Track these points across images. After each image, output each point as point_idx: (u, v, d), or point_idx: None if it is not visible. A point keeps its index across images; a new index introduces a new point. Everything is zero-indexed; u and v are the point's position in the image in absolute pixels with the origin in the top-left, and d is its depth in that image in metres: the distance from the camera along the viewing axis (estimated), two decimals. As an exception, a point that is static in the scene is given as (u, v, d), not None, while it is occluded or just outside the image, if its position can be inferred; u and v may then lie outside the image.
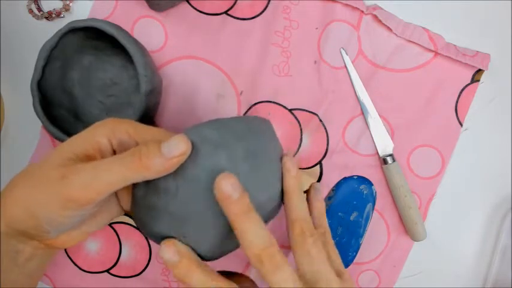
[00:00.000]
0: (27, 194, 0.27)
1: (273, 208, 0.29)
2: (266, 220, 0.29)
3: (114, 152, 0.28)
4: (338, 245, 0.41)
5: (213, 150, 0.25)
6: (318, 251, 0.28)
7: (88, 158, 0.27)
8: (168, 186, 0.25)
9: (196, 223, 0.26)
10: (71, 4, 0.44)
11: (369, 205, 0.44)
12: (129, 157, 0.25)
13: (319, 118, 0.44)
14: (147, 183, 0.26)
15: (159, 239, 0.27)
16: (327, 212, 0.42)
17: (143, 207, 0.27)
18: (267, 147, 0.28)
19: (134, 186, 0.28)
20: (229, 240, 0.27)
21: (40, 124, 0.43)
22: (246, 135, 0.27)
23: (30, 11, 0.44)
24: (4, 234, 0.27)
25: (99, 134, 0.27)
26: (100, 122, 0.28)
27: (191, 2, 0.43)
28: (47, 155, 0.28)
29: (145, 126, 0.29)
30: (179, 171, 0.25)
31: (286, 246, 0.45)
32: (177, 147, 0.25)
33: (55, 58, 0.38)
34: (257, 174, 0.27)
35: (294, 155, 0.35)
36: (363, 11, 0.43)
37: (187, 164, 0.25)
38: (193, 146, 0.25)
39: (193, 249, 0.27)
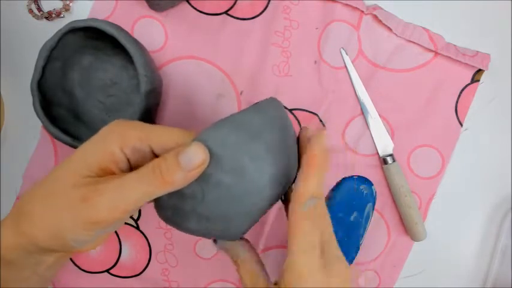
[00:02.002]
0: (50, 216, 0.26)
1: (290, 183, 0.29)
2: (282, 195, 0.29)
3: (128, 160, 0.27)
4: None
5: (234, 153, 0.25)
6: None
7: (104, 172, 0.26)
8: (194, 192, 0.26)
9: (222, 220, 0.27)
10: (71, 4, 0.44)
11: (369, 205, 0.44)
12: (150, 174, 0.24)
13: (319, 118, 0.44)
14: None
15: (190, 232, 0.28)
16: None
17: (169, 208, 0.28)
18: (284, 132, 0.28)
19: None
20: (252, 222, 0.28)
21: (40, 124, 0.43)
22: (263, 129, 0.26)
23: (30, 11, 0.44)
24: (26, 250, 0.27)
25: (110, 143, 0.26)
26: (107, 129, 0.27)
27: (191, 2, 0.43)
28: (59, 169, 0.27)
29: (155, 127, 0.27)
30: (203, 176, 0.25)
31: (286, 246, 0.45)
32: (196, 159, 0.24)
33: (55, 58, 0.38)
34: (279, 162, 0.27)
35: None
36: (363, 11, 0.43)
37: (210, 170, 0.25)
38: (213, 152, 0.25)
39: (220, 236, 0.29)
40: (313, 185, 0.26)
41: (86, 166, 0.26)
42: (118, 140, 0.26)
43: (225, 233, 0.28)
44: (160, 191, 0.25)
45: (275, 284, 0.28)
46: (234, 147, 0.25)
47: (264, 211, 0.28)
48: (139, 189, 0.24)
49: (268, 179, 0.26)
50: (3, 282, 0.27)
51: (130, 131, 0.26)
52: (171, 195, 0.26)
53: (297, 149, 0.30)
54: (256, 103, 0.28)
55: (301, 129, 0.31)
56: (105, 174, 0.26)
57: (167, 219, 0.29)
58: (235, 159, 0.25)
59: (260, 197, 0.27)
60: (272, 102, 0.29)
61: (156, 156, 0.27)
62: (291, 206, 0.26)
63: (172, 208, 0.27)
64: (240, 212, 0.27)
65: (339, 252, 0.27)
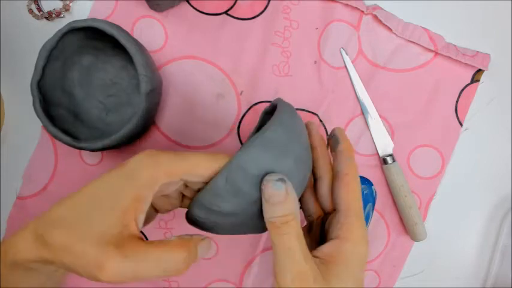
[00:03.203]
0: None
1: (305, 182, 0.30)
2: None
3: None
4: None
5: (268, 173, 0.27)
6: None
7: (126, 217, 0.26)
8: (235, 211, 0.27)
9: (251, 227, 0.30)
10: (71, 4, 0.44)
11: (369, 205, 0.44)
12: (170, 256, 0.26)
13: (319, 118, 0.44)
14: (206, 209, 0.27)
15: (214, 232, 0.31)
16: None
17: (207, 223, 0.29)
18: (302, 137, 0.29)
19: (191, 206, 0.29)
20: None
21: (40, 124, 0.43)
22: (290, 143, 0.27)
23: (30, 11, 0.44)
24: (47, 263, 0.26)
25: (141, 189, 0.26)
26: (132, 170, 0.26)
27: (191, 2, 0.43)
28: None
29: (184, 158, 0.27)
30: (243, 195, 0.26)
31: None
32: (206, 254, 0.28)
33: (55, 58, 0.38)
34: (303, 168, 0.29)
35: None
36: (363, 11, 0.43)
37: (249, 190, 0.26)
38: (251, 174, 0.26)
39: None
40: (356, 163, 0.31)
41: (124, 194, 0.26)
42: (149, 181, 0.26)
43: (247, 233, 0.31)
44: (173, 274, 0.26)
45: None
46: (269, 166, 0.26)
47: None
48: (159, 271, 0.25)
49: (298, 185, 0.28)
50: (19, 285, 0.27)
51: (160, 167, 0.26)
52: (210, 212, 0.27)
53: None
54: (276, 114, 0.28)
55: (306, 123, 0.33)
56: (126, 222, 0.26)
57: (199, 227, 0.30)
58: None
59: None
60: (288, 108, 0.29)
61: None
62: (342, 179, 0.30)
63: (211, 223, 0.29)
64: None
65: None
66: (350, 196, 0.29)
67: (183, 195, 0.31)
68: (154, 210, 0.31)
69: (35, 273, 0.27)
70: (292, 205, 0.26)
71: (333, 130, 0.32)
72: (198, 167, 0.26)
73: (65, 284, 0.45)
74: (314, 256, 0.27)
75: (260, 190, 0.26)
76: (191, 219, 0.29)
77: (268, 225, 0.26)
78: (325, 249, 0.28)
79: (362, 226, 0.29)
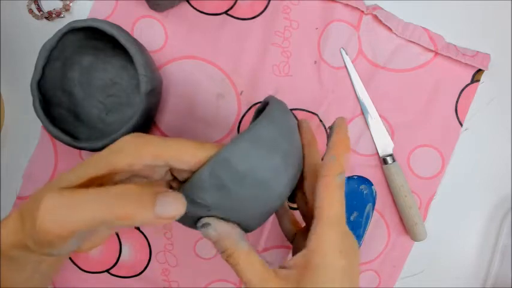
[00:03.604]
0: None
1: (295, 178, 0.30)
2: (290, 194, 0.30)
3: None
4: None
5: (256, 169, 0.26)
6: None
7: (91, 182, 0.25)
8: (219, 204, 0.26)
9: (239, 222, 0.28)
10: (71, 4, 0.44)
11: (369, 205, 0.44)
12: (114, 199, 0.22)
13: (319, 118, 0.44)
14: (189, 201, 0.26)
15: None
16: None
17: (188, 217, 0.28)
18: (293, 134, 0.29)
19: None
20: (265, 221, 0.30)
21: (40, 124, 0.43)
22: (279, 140, 0.27)
23: (30, 11, 0.44)
24: (27, 249, 0.25)
25: (117, 160, 0.25)
26: (121, 143, 0.25)
27: (191, 2, 0.43)
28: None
29: (171, 142, 0.26)
30: (227, 192, 0.26)
31: (286, 246, 0.45)
32: (171, 210, 0.22)
33: (55, 58, 0.38)
34: (293, 164, 0.28)
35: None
36: (363, 11, 0.43)
37: (234, 187, 0.26)
38: (237, 169, 0.25)
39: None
40: (343, 161, 0.28)
41: (69, 178, 0.24)
42: (128, 157, 0.25)
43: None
44: (118, 223, 0.22)
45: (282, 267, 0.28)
46: (255, 162, 0.26)
47: (277, 209, 0.29)
48: (95, 212, 0.22)
49: (286, 184, 0.27)
50: (6, 283, 0.27)
51: (145, 147, 0.25)
52: (194, 205, 0.26)
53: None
54: (267, 110, 0.28)
55: (299, 121, 0.32)
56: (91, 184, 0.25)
57: (183, 221, 0.29)
58: (258, 174, 0.26)
59: (279, 201, 0.28)
60: (279, 105, 0.29)
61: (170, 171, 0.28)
62: (320, 180, 0.27)
63: (195, 216, 0.28)
64: (257, 215, 0.28)
65: (348, 229, 0.28)
66: (326, 201, 0.26)
67: (171, 187, 0.30)
68: None
69: (20, 265, 0.27)
70: (226, 241, 0.26)
71: (334, 121, 0.31)
72: (184, 153, 0.25)
73: (54, 284, 0.45)
74: (282, 267, 0.27)
75: (245, 187, 0.26)
76: None
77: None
78: (292, 261, 0.27)
79: (336, 236, 0.26)
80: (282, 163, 0.27)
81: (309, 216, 0.31)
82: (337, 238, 0.26)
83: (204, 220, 0.27)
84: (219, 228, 0.26)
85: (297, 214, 0.34)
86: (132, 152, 0.25)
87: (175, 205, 0.22)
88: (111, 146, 0.25)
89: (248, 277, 0.26)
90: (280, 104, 0.30)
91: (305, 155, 0.31)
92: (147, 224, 0.24)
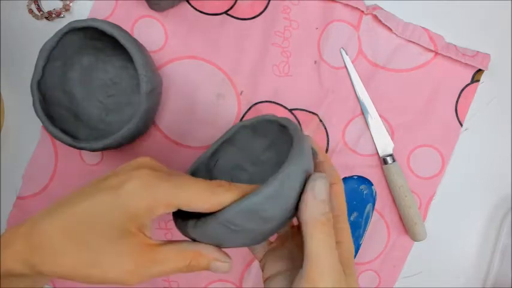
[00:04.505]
0: (85, 256, 0.26)
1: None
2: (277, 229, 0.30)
3: None
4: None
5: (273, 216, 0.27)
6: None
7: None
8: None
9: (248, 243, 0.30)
10: (71, 4, 0.44)
11: (369, 205, 0.44)
12: (185, 264, 0.27)
13: (319, 118, 0.44)
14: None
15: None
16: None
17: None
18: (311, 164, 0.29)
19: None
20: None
21: (40, 124, 0.43)
22: (291, 190, 0.27)
23: (30, 11, 0.44)
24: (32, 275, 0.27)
25: (140, 217, 0.26)
26: (136, 197, 0.26)
27: (191, 2, 0.43)
28: (85, 209, 0.26)
29: (184, 189, 0.26)
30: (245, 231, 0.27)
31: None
32: (221, 270, 0.28)
33: (55, 58, 0.38)
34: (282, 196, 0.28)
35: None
36: (363, 11, 0.43)
37: (251, 225, 0.26)
38: (254, 210, 0.25)
39: None
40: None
41: (119, 223, 0.26)
42: (146, 214, 0.26)
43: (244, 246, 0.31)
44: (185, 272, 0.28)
45: None
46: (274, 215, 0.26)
47: None
48: (174, 269, 0.27)
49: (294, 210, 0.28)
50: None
51: (160, 200, 0.26)
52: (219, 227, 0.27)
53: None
54: (293, 156, 0.27)
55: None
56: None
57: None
58: (274, 214, 0.26)
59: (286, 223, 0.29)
60: (303, 145, 0.28)
61: None
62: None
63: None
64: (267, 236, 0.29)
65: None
66: (340, 203, 0.29)
67: None
68: None
69: (18, 281, 0.27)
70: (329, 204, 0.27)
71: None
72: (196, 200, 0.26)
73: (54, 284, 0.45)
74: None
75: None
76: (186, 235, 0.29)
77: (311, 225, 0.26)
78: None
79: (349, 229, 0.29)
80: (293, 201, 0.27)
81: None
82: (331, 237, 0.27)
83: (324, 174, 0.27)
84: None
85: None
86: (146, 208, 0.26)
87: (224, 269, 0.29)
88: (120, 199, 0.26)
89: (332, 247, 0.26)
90: (303, 139, 0.29)
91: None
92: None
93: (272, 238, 0.34)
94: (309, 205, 0.26)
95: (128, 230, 0.26)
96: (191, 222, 0.27)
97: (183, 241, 0.28)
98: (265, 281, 0.31)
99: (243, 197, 0.26)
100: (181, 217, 0.29)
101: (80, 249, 0.25)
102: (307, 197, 0.26)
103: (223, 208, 0.26)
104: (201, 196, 0.26)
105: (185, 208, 0.27)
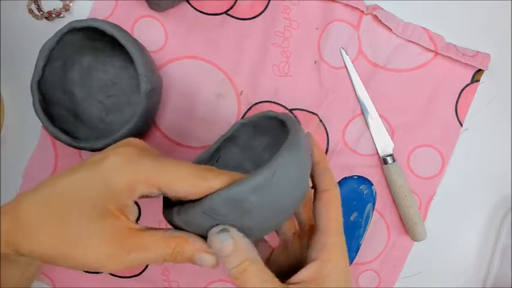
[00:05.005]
0: (61, 235, 0.25)
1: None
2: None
3: None
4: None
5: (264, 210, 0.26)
6: None
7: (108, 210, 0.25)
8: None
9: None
10: (71, 4, 0.44)
11: (369, 205, 0.44)
12: (169, 251, 0.26)
13: (319, 118, 0.44)
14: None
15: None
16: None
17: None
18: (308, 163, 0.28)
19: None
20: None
21: (40, 124, 0.43)
22: (301, 176, 0.26)
23: (30, 11, 0.44)
24: (18, 254, 0.26)
25: (119, 195, 0.25)
26: (114, 171, 0.25)
27: (191, 2, 0.43)
28: (64, 187, 0.25)
29: (167, 169, 0.25)
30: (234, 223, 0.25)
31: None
32: (207, 263, 0.26)
33: (55, 58, 0.38)
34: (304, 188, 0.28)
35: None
36: (363, 11, 0.43)
37: (246, 222, 0.25)
38: (245, 207, 0.24)
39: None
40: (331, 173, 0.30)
41: (99, 201, 0.25)
42: (126, 191, 0.25)
43: None
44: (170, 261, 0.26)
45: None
46: (281, 191, 0.25)
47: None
48: (157, 256, 0.26)
49: (301, 197, 0.27)
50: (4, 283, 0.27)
51: (140, 177, 0.25)
52: (204, 218, 0.25)
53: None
54: (290, 142, 0.26)
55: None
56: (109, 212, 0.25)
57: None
58: (279, 202, 0.25)
59: (292, 213, 0.28)
60: (300, 136, 0.28)
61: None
62: (323, 195, 0.29)
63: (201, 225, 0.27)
64: (272, 227, 0.28)
65: None
66: (331, 214, 0.28)
67: None
68: None
69: (10, 266, 0.27)
70: (244, 251, 0.25)
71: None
72: (180, 182, 0.25)
73: (54, 284, 0.45)
74: (293, 283, 0.26)
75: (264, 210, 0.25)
76: (172, 223, 0.28)
77: (229, 278, 0.26)
78: (305, 272, 0.27)
79: (342, 244, 0.28)
80: (303, 183, 0.27)
81: (290, 231, 0.32)
82: (343, 246, 0.28)
83: (221, 227, 0.25)
84: (237, 238, 0.25)
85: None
86: (127, 185, 0.24)
87: (210, 262, 0.26)
88: (101, 174, 0.25)
89: None
90: (300, 131, 0.28)
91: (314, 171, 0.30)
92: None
93: (274, 244, 0.34)
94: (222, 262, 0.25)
95: (107, 209, 0.24)
96: (176, 208, 0.26)
97: (168, 229, 0.27)
98: None
99: (229, 185, 0.24)
100: (170, 204, 0.28)
101: (59, 226, 0.24)
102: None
103: (207, 195, 0.24)
104: (186, 178, 0.25)
105: (168, 190, 0.25)
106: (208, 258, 0.26)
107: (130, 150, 0.25)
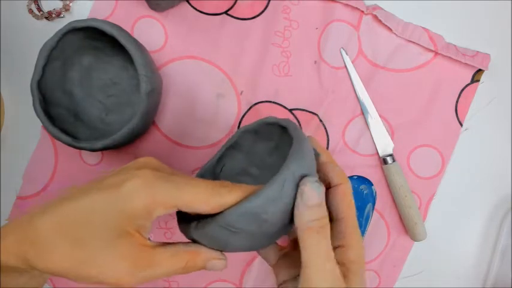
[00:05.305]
0: (79, 254, 0.26)
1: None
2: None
3: None
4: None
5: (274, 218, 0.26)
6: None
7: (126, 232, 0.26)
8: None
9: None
10: (71, 4, 0.44)
11: (369, 205, 0.44)
12: (182, 266, 0.27)
13: (319, 118, 0.44)
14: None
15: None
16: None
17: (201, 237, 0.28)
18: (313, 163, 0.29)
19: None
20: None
21: (40, 124, 0.43)
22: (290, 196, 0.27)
23: (30, 11, 0.44)
24: (29, 268, 0.26)
25: (138, 218, 0.25)
26: (135, 194, 0.25)
27: (191, 2, 0.43)
28: (85, 206, 0.25)
29: (184, 190, 0.26)
30: (246, 234, 0.26)
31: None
32: (217, 268, 0.28)
33: (55, 58, 0.38)
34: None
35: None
36: (363, 11, 0.43)
37: (253, 229, 0.26)
38: (258, 216, 0.25)
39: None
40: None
41: (116, 224, 0.25)
42: (145, 215, 0.25)
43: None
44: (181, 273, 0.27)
45: None
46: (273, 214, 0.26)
47: None
48: (169, 271, 0.26)
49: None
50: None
51: (158, 201, 0.25)
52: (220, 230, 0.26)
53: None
54: (294, 153, 0.26)
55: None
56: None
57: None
58: (278, 219, 0.26)
59: (288, 227, 0.28)
60: (304, 144, 0.28)
61: None
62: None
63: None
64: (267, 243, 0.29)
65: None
66: (347, 205, 0.29)
67: None
68: None
69: (16, 275, 0.27)
70: (325, 208, 0.26)
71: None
72: (197, 202, 0.26)
73: (54, 284, 0.45)
74: None
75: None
76: (188, 237, 0.29)
77: (303, 231, 0.25)
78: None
79: (358, 232, 0.29)
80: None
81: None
82: (359, 233, 0.28)
83: (316, 178, 0.26)
84: (322, 192, 0.26)
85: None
86: (145, 208, 0.25)
87: (221, 266, 0.28)
88: (118, 199, 0.25)
89: (329, 255, 0.26)
90: (303, 139, 0.29)
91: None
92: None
93: (284, 243, 0.34)
94: (299, 212, 0.25)
95: (125, 230, 0.25)
96: (193, 224, 0.27)
97: (179, 243, 0.28)
98: (279, 286, 0.31)
99: (245, 198, 0.25)
100: (185, 217, 0.29)
101: (73, 247, 0.25)
102: (297, 203, 0.26)
103: (225, 210, 0.25)
104: (201, 198, 0.26)
105: (186, 210, 0.26)
106: (219, 263, 0.27)
107: (147, 174, 0.26)
